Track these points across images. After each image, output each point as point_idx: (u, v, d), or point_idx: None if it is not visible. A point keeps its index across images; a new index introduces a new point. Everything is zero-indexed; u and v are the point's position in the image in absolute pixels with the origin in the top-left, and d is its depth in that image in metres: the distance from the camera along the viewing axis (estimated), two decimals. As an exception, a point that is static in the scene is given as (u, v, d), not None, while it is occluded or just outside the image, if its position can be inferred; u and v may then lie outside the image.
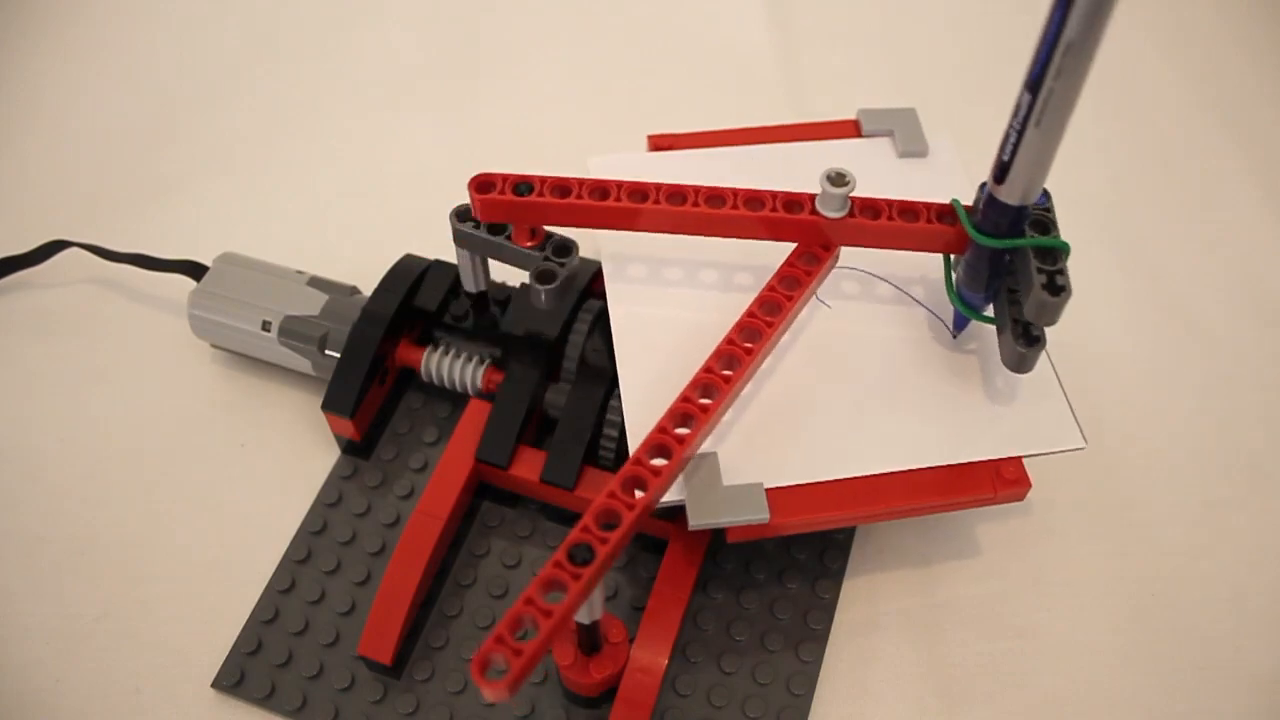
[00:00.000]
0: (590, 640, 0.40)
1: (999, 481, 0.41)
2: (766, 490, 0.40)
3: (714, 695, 0.43)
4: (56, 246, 0.56)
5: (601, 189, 0.43)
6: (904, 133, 0.51)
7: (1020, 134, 0.35)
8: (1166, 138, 0.66)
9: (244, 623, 0.45)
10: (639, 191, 0.42)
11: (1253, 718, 0.44)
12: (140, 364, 0.54)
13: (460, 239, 0.46)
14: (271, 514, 0.48)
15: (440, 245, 0.50)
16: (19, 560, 0.47)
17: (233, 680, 0.44)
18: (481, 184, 0.43)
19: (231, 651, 0.44)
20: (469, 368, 0.49)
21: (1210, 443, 0.52)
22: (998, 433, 0.42)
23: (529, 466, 0.46)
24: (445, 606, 0.45)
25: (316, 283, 0.51)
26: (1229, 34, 0.72)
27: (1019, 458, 0.41)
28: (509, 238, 0.44)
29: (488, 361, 0.49)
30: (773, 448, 0.41)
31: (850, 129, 0.52)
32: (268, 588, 0.46)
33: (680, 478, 0.39)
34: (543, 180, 0.43)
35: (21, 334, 0.55)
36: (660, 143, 0.52)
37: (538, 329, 0.48)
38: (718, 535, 0.46)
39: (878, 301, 0.46)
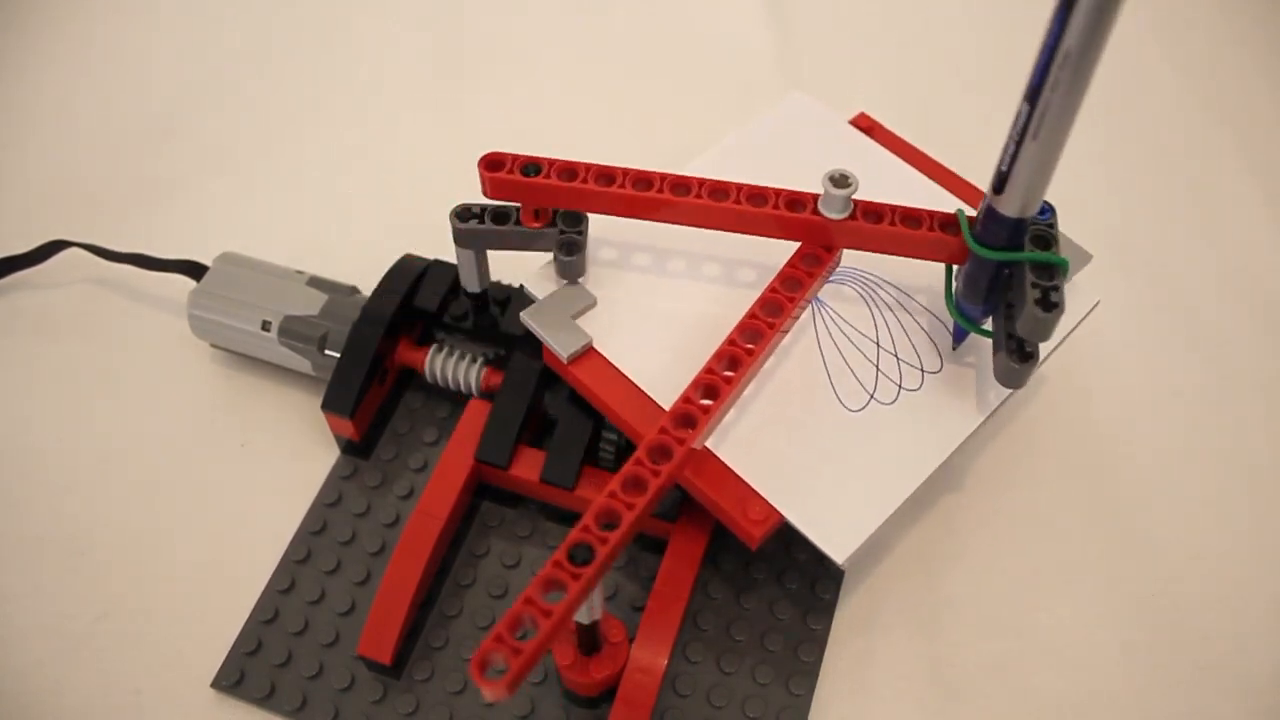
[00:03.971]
0: (590, 640, 0.40)
1: (741, 512, 0.40)
2: (592, 349, 0.43)
3: (714, 695, 0.43)
4: (56, 246, 0.56)
5: (607, 175, 0.43)
6: None
7: (1019, 145, 0.34)
8: (1166, 138, 0.66)
9: (244, 623, 0.45)
10: (644, 180, 0.43)
11: (1253, 718, 0.44)
12: (140, 364, 0.54)
13: (462, 238, 0.46)
14: (271, 514, 0.48)
15: (440, 245, 0.50)
16: (19, 560, 0.47)
17: (232, 680, 0.44)
18: (491, 162, 0.43)
19: (231, 651, 0.44)
20: (469, 368, 0.49)
21: (1210, 442, 0.52)
22: (801, 486, 0.40)
23: (529, 466, 0.46)
24: (445, 606, 0.45)
25: (316, 283, 0.51)
26: (1229, 34, 0.72)
27: (778, 514, 0.40)
28: (516, 223, 0.45)
29: (488, 361, 0.49)
30: (640, 340, 0.42)
31: None
32: (267, 588, 0.46)
33: (555, 278, 0.45)
34: (550, 163, 0.43)
35: (21, 334, 0.55)
36: (861, 122, 0.53)
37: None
38: (718, 537, 0.46)
39: (879, 312, 0.45)
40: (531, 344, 0.47)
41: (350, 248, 0.59)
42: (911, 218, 0.41)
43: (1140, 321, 0.56)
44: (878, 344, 0.44)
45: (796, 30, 0.72)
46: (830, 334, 0.44)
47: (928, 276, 0.45)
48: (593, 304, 0.45)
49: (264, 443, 0.51)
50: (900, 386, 0.43)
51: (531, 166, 0.43)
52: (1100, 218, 0.61)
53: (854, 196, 0.41)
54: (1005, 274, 0.39)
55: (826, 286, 0.46)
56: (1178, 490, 0.50)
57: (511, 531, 0.48)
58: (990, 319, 0.42)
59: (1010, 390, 0.42)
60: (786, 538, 0.47)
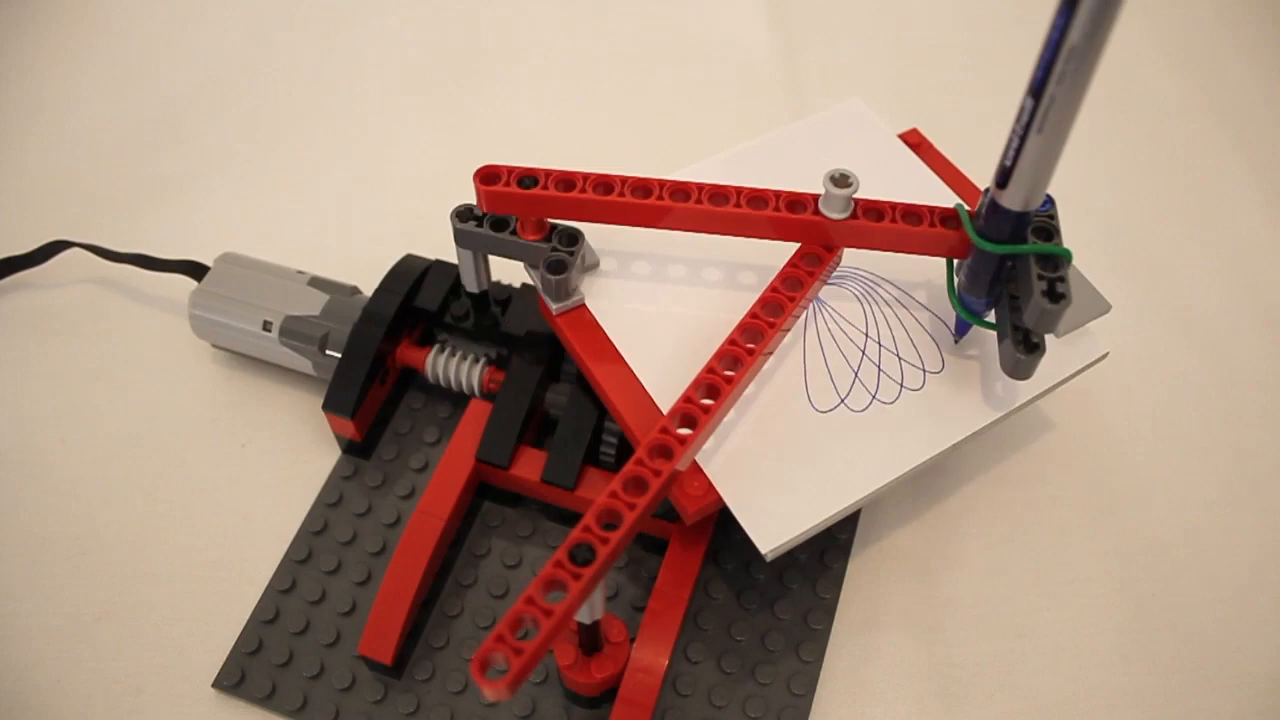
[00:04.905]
0: (591, 640, 0.40)
1: (680, 485, 0.40)
2: (583, 307, 0.45)
3: (714, 695, 0.43)
4: (57, 246, 0.56)
5: (606, 184, 0.43)
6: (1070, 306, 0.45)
7: (1023, 139, 0.35)
8: (1167, 138, 0.66)
9: (244, 623, 0.45)
10: (643, 187, 0.43)
11: (1253, 718, 0.44)
12: (141, 364, 0.54)
13: (462, 239, 0.45)
14: (272, 514, 0.48)
15: (440, 245, 0.50)
16: (19, 560, 0.47)
17: (233, 680, 0.44)
18: (487, 175, 0.43)
19: (232, 651, 0.44)
20: (470, 368, 0.49)
21: (1210, 443, 0.52)
22: (746, 472, 0.40)
23: (530, 466, 0.46)
24: (446, 606, 0.45)
25: (317, 283, 0.51)
26: (1229, 35, 0.72)
27: (716, 494, 0.40)
28: (513, 232, 0.44)
29: (488, 361, 0.49)
30: (634, 320, 0.44)
31: None
32: (268, 588, 0.46)
33: (580, 274, 0.45)
34: (548, 174, 0.43)
35: (22, 334, 0.56)
36: (910, 138, 0.52)
37: (538, 329, 0.48)
38: (718, 537, 0.46)
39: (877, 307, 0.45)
40: (531, 344, 0.47)
41: (351, 248, 0.59)
42: (912, 214, 0.42)
43: (1140, 321, 0.56)
44: (863, 352, 0.44)
45: (798, 34, 0.72)
46: (819, 334, 0.44)
47: (926, 275, 0.45)
48: (595, 265, 0.46)
49: (265, 443, 0.51)
50: (874, 397, 0.43)
51: (528, 178, 0.42)
52: (1100, 217, 0.61)
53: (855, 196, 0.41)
54: (1008, 266, 0.40)
55: (826, 287, 0.46)
56: (1178, 490, 0.50)
57: (512, 531, 0.48)
58: (993, 312, 0.42)
59: (984, 421, 0.42)
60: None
